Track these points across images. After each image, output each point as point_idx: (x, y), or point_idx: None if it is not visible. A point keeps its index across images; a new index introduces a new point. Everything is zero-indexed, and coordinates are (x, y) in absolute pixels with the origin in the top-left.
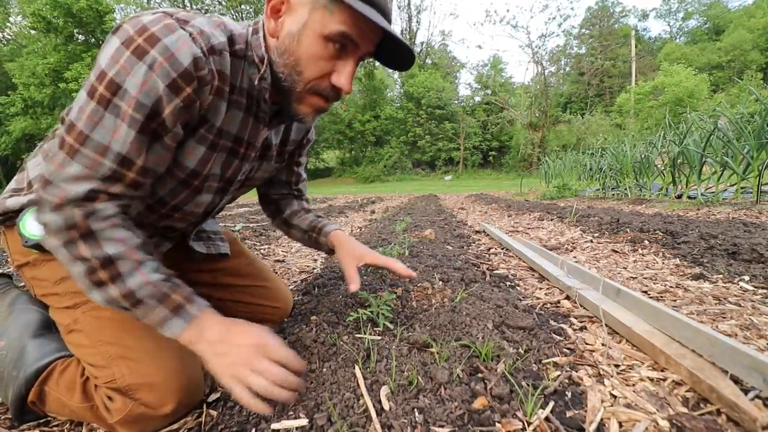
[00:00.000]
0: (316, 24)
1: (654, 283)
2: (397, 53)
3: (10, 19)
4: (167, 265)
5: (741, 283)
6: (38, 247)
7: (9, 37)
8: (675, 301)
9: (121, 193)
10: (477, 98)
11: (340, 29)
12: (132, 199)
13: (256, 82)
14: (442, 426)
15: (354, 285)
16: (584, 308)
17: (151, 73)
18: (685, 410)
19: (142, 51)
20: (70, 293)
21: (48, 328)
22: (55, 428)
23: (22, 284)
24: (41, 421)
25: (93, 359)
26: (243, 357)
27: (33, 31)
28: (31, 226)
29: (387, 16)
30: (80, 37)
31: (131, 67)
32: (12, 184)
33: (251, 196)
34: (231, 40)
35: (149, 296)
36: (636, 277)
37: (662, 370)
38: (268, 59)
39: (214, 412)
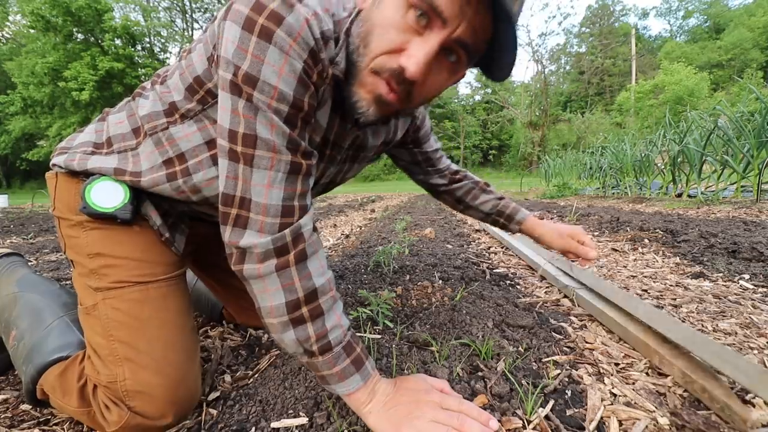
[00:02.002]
0: None
1: (654, 282)
2: (500, 57)
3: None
4: (195, 243)
5: (741, 282)
6: (94, 216)
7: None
8: (675, 299)
9: (303, 192)
10: (477, 97)
11: None
12: (311, 203)
13: (330, 72)
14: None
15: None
16: (580, 307)
17: (286, 57)
18: (684, 408)
19: (268, 32)
20: (98, 274)
21: (56, 316)
22: (55, 427)
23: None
24: (41, 420)
25: (102, 351)
26: (422, 409)
27: (32, 30)
28: (97, 194)
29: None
30: (79, 36)
31: (263, 54)
32: (90, 136)
33: None
34: (334, 29)
35: (338, 343)
36: (636, 276)
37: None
38: (346, 43)
39: (213, 411)
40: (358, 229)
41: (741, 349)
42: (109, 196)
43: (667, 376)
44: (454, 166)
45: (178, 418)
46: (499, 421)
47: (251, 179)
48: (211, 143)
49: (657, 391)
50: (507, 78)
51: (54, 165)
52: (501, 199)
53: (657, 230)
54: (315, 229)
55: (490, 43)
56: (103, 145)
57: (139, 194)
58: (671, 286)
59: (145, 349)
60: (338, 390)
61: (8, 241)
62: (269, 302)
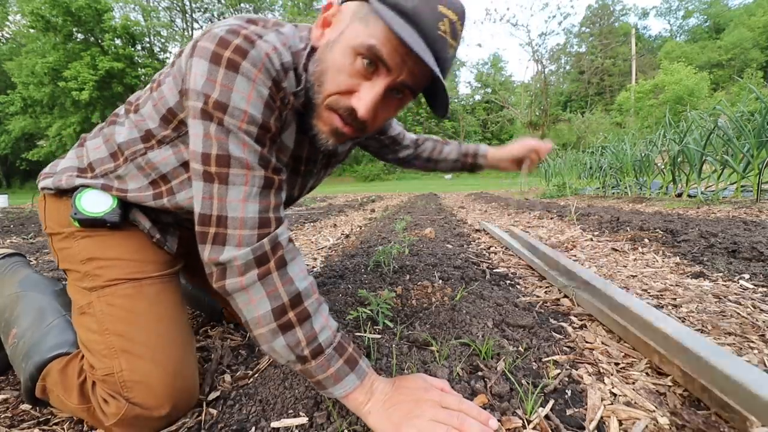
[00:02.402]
0: (351, 34)
1: (654, 282)
2: (436, 98)
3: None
4: (187, 246)
5: (741, 282)
6: (83, 222)
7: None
8: (675, 299)
9: (277, 204)
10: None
11: (369, 42)
12: (285, 216)
13: (291, 99)
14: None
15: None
16: (580, 306)
17: (252, 84)
18: (684, 408)
19: (235, 64)
20: (92, 275)
21: (58, 314)
22: (55, 427)
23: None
24: (41, 419)
25: (97, 347)
26: (422, 408)
27: (32, 30)
28: (87, 200)
29: (432, 44)
30: (79, 35)
31: (231, 83)
32: (72, 161)
33: None
34: (293, 60)
35: (328, 344)
36: (636, 276)
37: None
38: (305, 78)
39: (213, 411)
40: (358, 228)
41: (741, 348)
42: (98, 202)
43: (667, 375)
44: (415, 136)
45: (176, 410)
46: (499, 420)
47: (227, 196)
48: (186, 164)
49: (657, 390)
50: (446, 115)
51: (43, 189)
52: (461, 144)
53: (657, 230)
54: (291, 240)
55: (431, 81)
56: (86, 170)
57: (126, 203)
58: (671, 285)
59: (141, 340)
60: (336, 392)
61: (8, 241)
62: (255, 312)
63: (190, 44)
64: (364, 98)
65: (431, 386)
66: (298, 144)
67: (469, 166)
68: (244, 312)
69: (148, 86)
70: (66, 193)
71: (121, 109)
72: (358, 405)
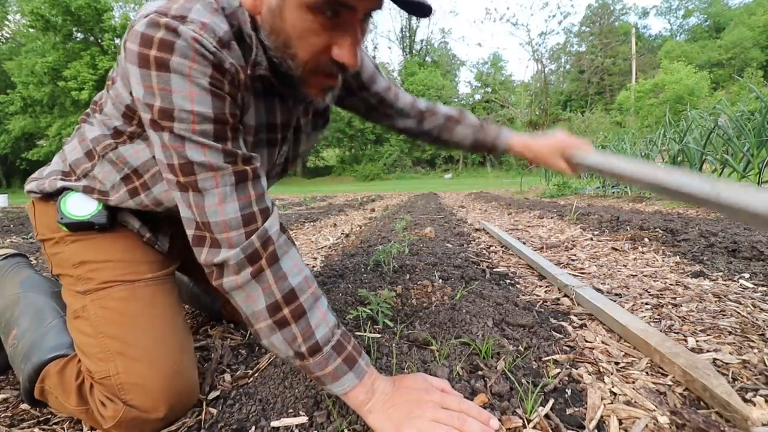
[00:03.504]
0: None
1: (654, 281)
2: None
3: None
4: (184, 244)
5: (741, 281)
6: (71, 226)
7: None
8: (675, 298)
9: (260, 196)
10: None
11: None
12: (273, 206)
13: (242, 77)
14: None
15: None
16: (580, 306)
17: (189, 79)
18: (684, 407)
19: (164, 62)
20: (84, 278)
21: (57, 315)
22: (54, 426)
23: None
24: (41, 419)
25: (92, 350)
26: (422, 408)
27: (31, 30)
28: (72, 204)
29: None
30: (79, 35)
31: (167, 84)
32: (56, 165)
33: None
34: (231, 24)
35: (326, 342)
36: (636, 275)
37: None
38: (258, 41)
39: (213, 410)
40: (358, 228)
41: (741, 348)
42: (83, 205)
43: (667, 375)
44: (423, 103)
45: (174, 412)
46: (500, 420)
47: (204, 203)
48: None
49: (657, 390)
50: (425, 13)
51: (29, 192)
52: (481, 126)
53: (657, 229)
54: (284, 230)
55: None
56: (70, 174)
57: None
58: (671, 285)
59: (136, 342)
60: (334, 390)
61: (8, 240)
62: (254, 308)
63: (122, 42)
64: (346, 49)
65: (432, 387)
66: (269, 113)
67: (488, 151)
68: (244, 308)
69: (106, 84)
70: (52, 197)
71: (90, 109)
72: (359, 404)
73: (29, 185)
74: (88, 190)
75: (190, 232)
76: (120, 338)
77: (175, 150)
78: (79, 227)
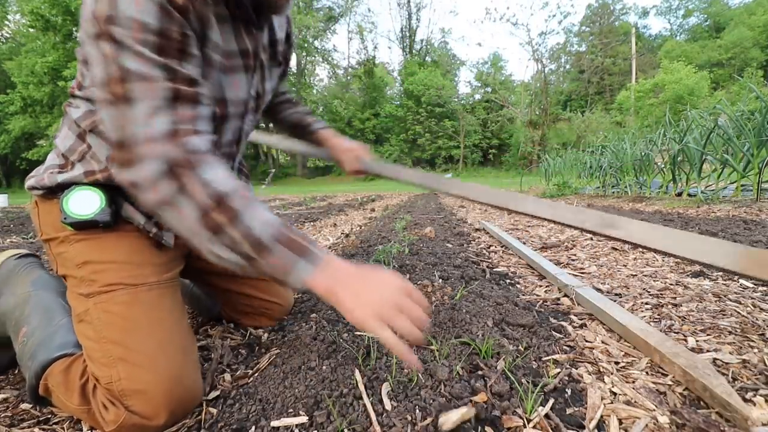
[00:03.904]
0: None
1: (654, 281)
2: None
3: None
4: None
5: (741, 281)
6: (75, 225)
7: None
8: (675, 298)
9: (193, 117)
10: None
11: None
12: (208, 130)
13: None
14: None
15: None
16: (580, 305)
17: None
18: (684, 407)
19: None
20: (88, 280)
21: (66, 314)
22: (55, 426)
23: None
24: (41, 419)
25: (96, 354)
26: (388, 297)
27: (31, 30)
28: (74, 203)
29: None
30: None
31: None
32: (52, 160)
33: None
34: None
35: (271, 238)
36: (636, 275)
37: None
38: None
39: (213, 410)
40: (358, 228)
41: (741, 348)
42: (86, 203)
43: (667, 374)
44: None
45: (175, 418)
46: (500, 419)
47: (133, 114)
48: None
49: (657, 389)
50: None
51: (30, 189)
52: (308, 115)
53: None
54: (211, 152)
55: None
56: (66, 164)
57: (116, 198)
58: (671, 284)
59: (138, 348)
60: (296, 283)
61: (8, 240)
62: (186, 222)
63: None
64: None
65: (397, 276)
66: (238, 38)
67: (299, 136)
68: (177, 226)
69: (79, 63)
70: (54, 194)
71: (70, 96)
72: (325, 291)
73: (29, 182)
74: (88, 175)
75: (113, 154)
76: (122, 343)
77: (114, 59)
78: (83, 226)
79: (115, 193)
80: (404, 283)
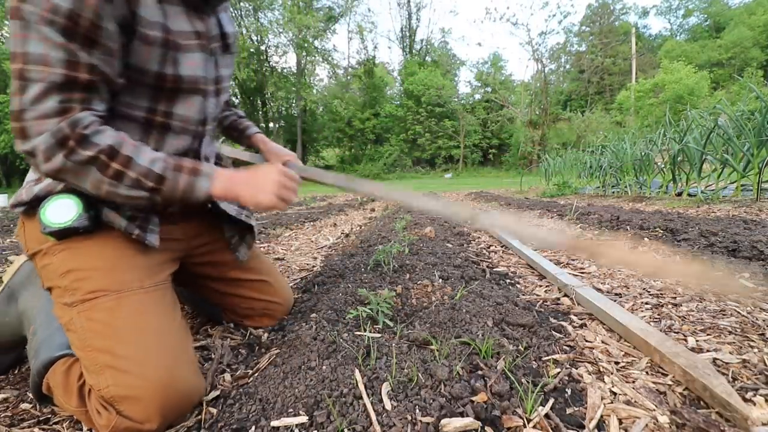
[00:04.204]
0: None
1: (654, 281)
2: None
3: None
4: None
5: (741, 280)
6: (56, 234)
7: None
8: (675, 298)
9: (86, 98)
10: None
11: None
12: (101, 108)
13: None
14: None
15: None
16: (580, 305)
17: None
18: (684, 407)
19: None
20: (71, 289)
21: None
22: (55, 426)
23: None
24: (41, 419)
25: (84, 363)
26: (276, 181)
27: None
28: (51, 213)
29: None
30: None
31: None
32: (30, 176)
33: None
34: None
35: (166, 169)
36: (636, 275)
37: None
38: None
39: (213, 410)
40: (358, 228)
41: (741, 347)
42: (63, 211)
43: (667, 374)
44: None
45: (168, 421)
46: (500, 419)
47: (29, 92)
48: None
49: (657, 389)
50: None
51: (13, 208)
52: (242, 118)
53: (657, 229)
54: (100, 123)
55: None
56: (41, 176)
57: (95, 203)
58: (671, 284)
59: (125, 353)
60: (199, 195)
61: (8, 240)
62: (89, 179)
63: None
64: None
65: (279, 167)
66: (191, 20)
67: (234, 138)
68: (82, 185)
69: None
70: (33, 207)
71: None
72: (224, 193)
73: (11, 201)
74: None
75: (11, 124)
76: (108, 350)
77: (21, 38)
78: (64, 234)
79: (93, 198)
80: (281, 169)
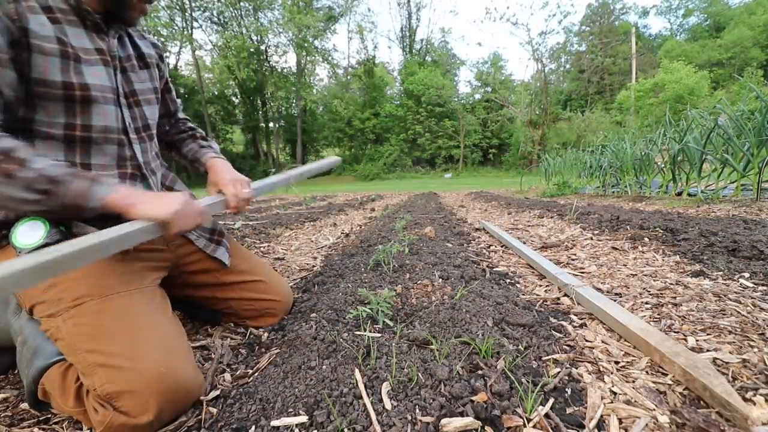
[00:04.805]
0: None
1: (654, 280)
2: None
3: None
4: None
5: (741, 280)
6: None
7: None
8: (675, 298)
9: None
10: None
11: None
12: None
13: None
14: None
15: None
16: (580, 305)
17: None
18: (684, 407)
19: None
20: (55, 300)
21: None
22: (54, 426)
23: None
24: (41, 419)
25: (78, 366)
26: (181, 208)
27: None
28: (22, 235)
29: None
30: None
31: None
32: None
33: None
34: None
35: (64, 174)
36: (636, 274)
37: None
38: None
39: (213, 410)
40: (358, 228)
41: (741, 347)
42: (31, 232)
43: (667, 374)
44: (191, 125)
45: (165, 413)
46: (500, 418)
47: None
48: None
49: (657, 389)
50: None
51: None
52: (203, 148)
53: (657, 229)
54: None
55: None
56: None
57: (62, 220)
58: (671, 284)
59: (115, 350)
60: (95, 200)
61: None
62: None
63: None
64: None
65: (185, 195)
66: (92, 39)
67: (195, 169)
68: None
69: None
70: (4, 238)
71: None
72: (121, 206)
73: None
74: None
75: None
76: (98, 350)
77: None
78: None
79: (56, 216)
80: (188, 199)
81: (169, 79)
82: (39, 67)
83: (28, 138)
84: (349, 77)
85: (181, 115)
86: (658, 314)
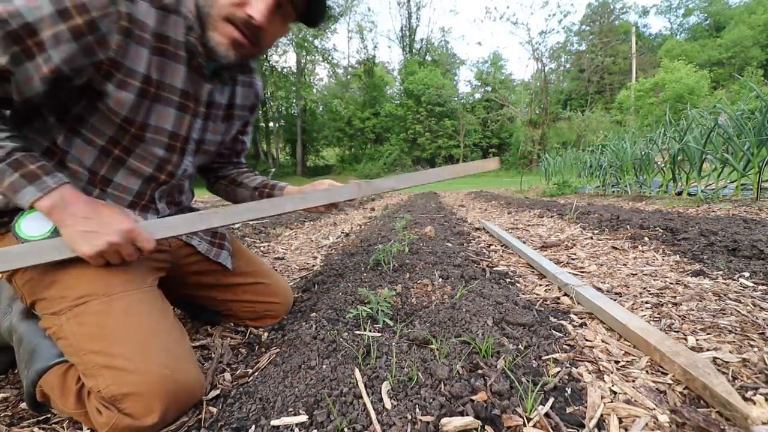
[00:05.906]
0: None
1: (654, 280)
2: (314, 7)
3: None
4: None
5: (741, 280)
6: None
7: None
8: (675, 297)
9: None
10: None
11: None
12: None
13: (185, 32)
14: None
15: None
16: (580, 304)
17: None
18: (684, 406)
19: None
20: (58, 298)
21: None
22: (54, 426)
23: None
24: (41, 418)
25: (81, 368)
26: (115, 240)
27: None
28: (27, 226)
29: None
30: None
31: None
32: None
33: None
34: None
35: (2, 163)
36: (636, 274)
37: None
38: (196, 4)
39: (213, 409)
40: (358, 227)
41: (741, 347)
42: (38, 224)
43: (667, 373)
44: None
45: (169, 414)
46: (500, 418)
47: None
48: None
49: (657, 388)
50: (320, 22)
51: None
52: (266, 179)
53: (657, 228)
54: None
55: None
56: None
57: None
58: (671, 284)
59: (119, 352)
60: (20, 202)
61: None
62: None
63: None
64: (257, 5)
65: (130, 223)
66: (186, 79)
67: (266, 195)
68: None
69: None
70: (3, 225)
71: None
72: (46, 213)
73: None
74: None
75: None
76: (102, 351)
77: None
78: None
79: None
80: (136, 231)
81: (252, 122)
82: (109, 96)
83: (61, 122)
84: (349, 77)
85: (243, 158)
86: (658, 314)
